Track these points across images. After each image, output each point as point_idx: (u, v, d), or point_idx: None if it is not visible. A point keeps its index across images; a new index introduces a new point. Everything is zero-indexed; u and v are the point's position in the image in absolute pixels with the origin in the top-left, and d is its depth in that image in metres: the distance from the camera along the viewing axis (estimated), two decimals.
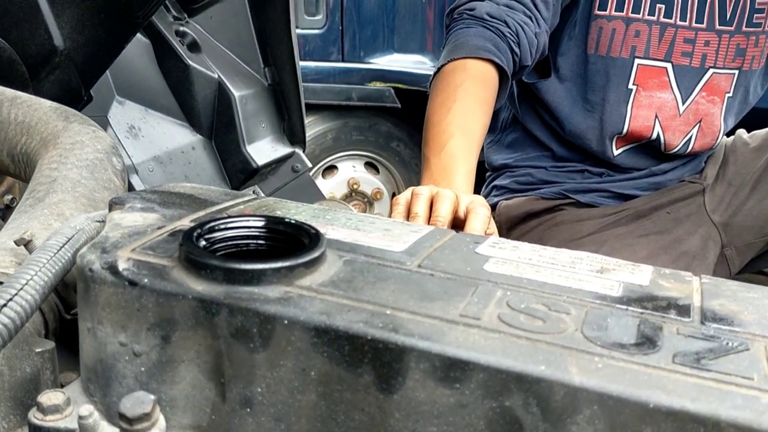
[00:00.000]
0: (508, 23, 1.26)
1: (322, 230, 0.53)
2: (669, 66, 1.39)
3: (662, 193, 1.46)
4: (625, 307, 0.45)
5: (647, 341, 0.41)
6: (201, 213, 0.55)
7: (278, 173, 2.06)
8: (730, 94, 1.43)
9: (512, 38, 1.26)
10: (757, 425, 0.35)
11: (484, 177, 1.62)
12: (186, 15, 1.83)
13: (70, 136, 0.73)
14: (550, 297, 0.46)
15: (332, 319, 0.42)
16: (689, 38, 1.37)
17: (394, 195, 3.81)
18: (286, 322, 0.42)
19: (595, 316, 0.44)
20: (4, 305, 0.44)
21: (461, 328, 0.41)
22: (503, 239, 0.57)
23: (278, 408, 0.43)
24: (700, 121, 1.42)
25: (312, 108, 3.56)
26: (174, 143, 1.74)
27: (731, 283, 0.51)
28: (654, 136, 1.41)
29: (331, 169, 3.72)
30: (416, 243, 0.54)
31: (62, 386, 0.53)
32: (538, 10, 1.29)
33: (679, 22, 1.36)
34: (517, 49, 1.26)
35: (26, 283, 0.46)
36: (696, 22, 1.36)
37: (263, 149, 1.94)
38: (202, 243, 0.48)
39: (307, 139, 3.56)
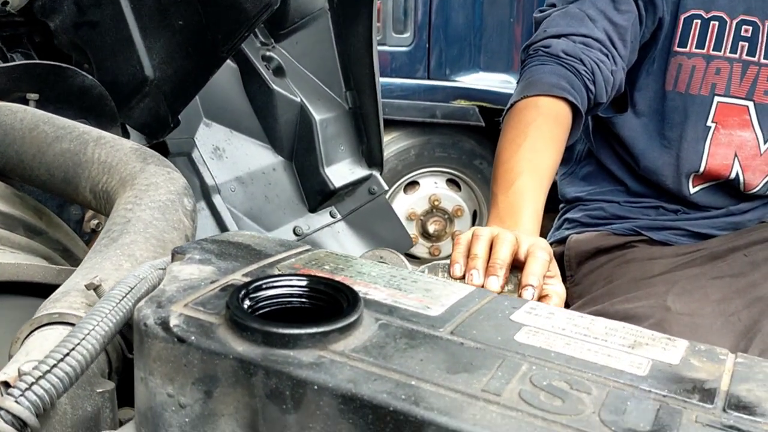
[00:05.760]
0: (583, 61, 1.26)
1: (363, 289, 0.56)
2: (751, 104, 1.35)
3: (740, 234, 1.42)
4: (648, 388, 0.46)
5: (663, 429, 0.42)
6: (253, 266, 0.59)
7: (355, 195, 2.11)
8: None
9: (587, 76, 1.26)
10: None
11: (557, 208, 1.62)
12: (273, 40, 1.90)
13: (146, 178, 0.78)
14: (574, 374, 0.47)
15: (358, 388, 0.44)
16: None
17: (475, 213, 3.81)
18: (316, 387, 0.45)
19: (615, 398, 0.45)
20: (69, 353, 0.48)
21: (480, 404, 0.43)
22: (540, 304, 0.58)
23: None
24: None
25: (396, 124, 3.62)
26: (256, 164, 1.81)
27: (767, 364, 0.51)
28: (733, 175, 1.38)
29: (413, 184, 3.76)
30: (453, 306, 0.56)
31: (121, 423, 0.58)
32: (615, 48, 1.29)
33: (762, 60, 1.33)
34: (592, 87, 1.26)
35: (89, 332, 0.50)
36: None
37: (341, 171, 1.99)
38: (247, 303, 0.51)
39: (390, 154, 3.62)
